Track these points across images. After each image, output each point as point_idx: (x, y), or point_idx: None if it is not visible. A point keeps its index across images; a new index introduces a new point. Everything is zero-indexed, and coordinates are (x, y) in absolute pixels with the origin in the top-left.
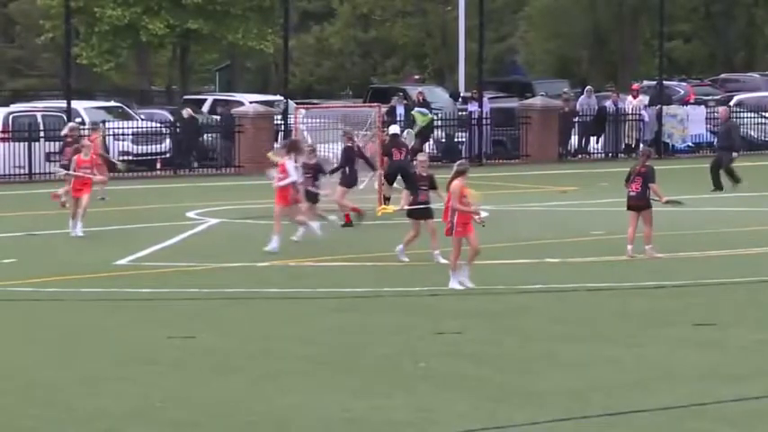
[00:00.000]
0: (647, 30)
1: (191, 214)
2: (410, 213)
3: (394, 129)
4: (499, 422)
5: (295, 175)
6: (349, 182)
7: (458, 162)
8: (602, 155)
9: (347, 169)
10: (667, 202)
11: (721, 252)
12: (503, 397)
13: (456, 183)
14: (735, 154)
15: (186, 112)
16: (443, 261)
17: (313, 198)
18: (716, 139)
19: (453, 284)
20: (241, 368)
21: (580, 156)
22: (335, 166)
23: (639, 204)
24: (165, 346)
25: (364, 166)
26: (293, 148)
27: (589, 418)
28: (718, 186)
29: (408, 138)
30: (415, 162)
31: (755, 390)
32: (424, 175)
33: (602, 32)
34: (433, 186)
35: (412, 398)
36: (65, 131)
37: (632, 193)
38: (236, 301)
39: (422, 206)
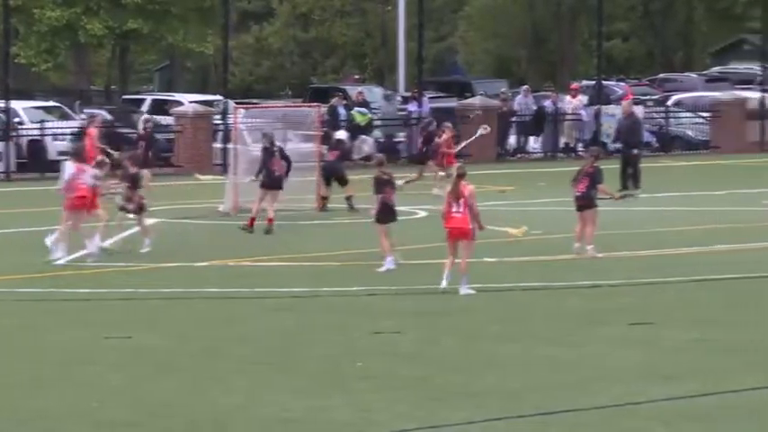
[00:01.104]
0: (586, 29)
1: (130, 214)
2: (377, 219)
3: (341, 134)
4: (436, 422)
5: (70, 177)
6: (271, 185)
7: (457, 166)
8: (541, 154)
9: (266, 171)
10: (621, 198)
11: (653, 252)
12: (441, 397)
13: (471, 187)
14: (635, 151)
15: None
16: (392, 266)
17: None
18: (618, 136)
19: (463, 290)
20: (180, 368)
21: (519, 155)
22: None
23: (584, 204)
24: (103, 347)
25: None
26: (76, 154)
27: (524, 418)
28: (636, 186)
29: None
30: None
31: (688, 389)
32: (385, 178)
33: (540, 32)
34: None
35: (351, 398)
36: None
37: (578, 194)
38: (175, 301)
39: (386, 209)
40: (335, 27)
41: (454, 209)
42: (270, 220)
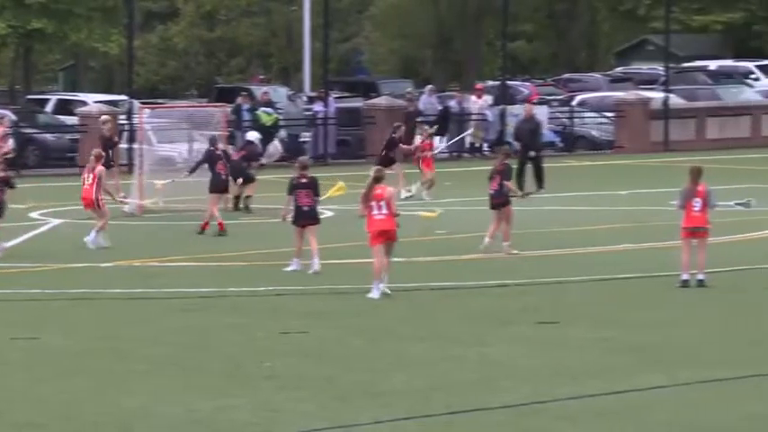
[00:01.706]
0: (491, 30)
1: (34, 215)
2: (293, 221)
3: (252, 135)
4: (344, 422)
5: None
6: (217, 188)
7: (375, 168)
8: (447, 154)
9: (213, 175)
10: (525, 195)
11: (558, 251)
12: (348, 396)
13: (390, 188)
14: (532, 153)
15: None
16: (318, 269)
17: None
18: (516, 137)
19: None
20: (86, 369)
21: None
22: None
23: (498, 202)
24: (9, 348)
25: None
26: None
27: (432, 417)
28: (540, 186)
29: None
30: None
31: (594, 387)
32: (304, 181)
33: (445, 32)
34: (315, 192)
35: (257, 398)
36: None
37: (491, 192)
38: (81, 301)
39: (303, 211)
40: (241, 27)
41: (376, 212)
42: (208, 224)
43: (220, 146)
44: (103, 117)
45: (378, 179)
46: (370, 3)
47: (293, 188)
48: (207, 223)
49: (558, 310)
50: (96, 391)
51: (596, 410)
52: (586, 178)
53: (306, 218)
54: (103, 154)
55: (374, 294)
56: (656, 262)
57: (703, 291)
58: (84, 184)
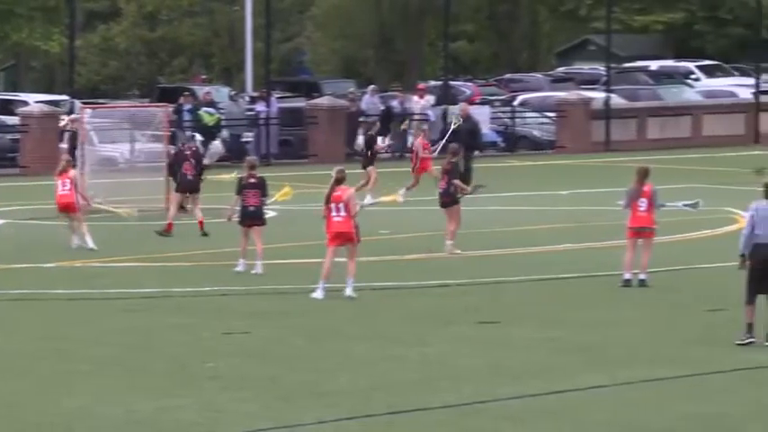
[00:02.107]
0: (433, 30)
1: None
2: (239, 221)
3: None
4: (287, 422)
5: None
6: (184, 187)
7: (337, 169)
8: (389, 154)
9: (179, 175)
10: (473, 190)
11: (499, 251)
12: (291, 396)
13: (351, 190)
14: (476, 152)
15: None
16: (261, 272)
17: None
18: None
19: (348, 292)
20: (28, 370)
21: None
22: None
23: (446, 201)
24: None
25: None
26: None
27: (373, 417)
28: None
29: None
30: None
31: (536, 387)
32: (252, 181)
33: (386, 32)
34: (263, 193)
35: (200, 398)
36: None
37: (440, 191)
38: (23, 302)
39: (249, 211)
40: (182, 27)
41: (335, 213)
42: (200, 223)
43: (190, 146)
44: (72, 116)
45: (339, 180)
46: (312, 3)
47: (241, 188)
48: (171, 224)
49: (499, 310)
50: (38, 392)
51: (537, 410)
52: (528, 178)
53: (251, 218)
54: (71, 159)
55: (318, 294)
56: (596, 262)
57: (641, 291)
58: (59, 190)
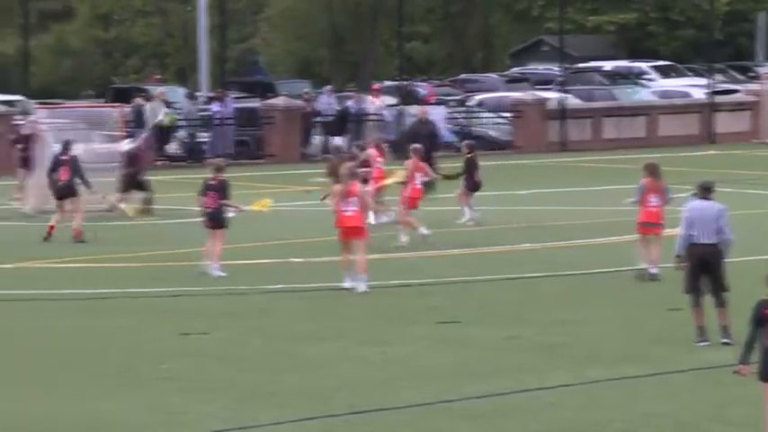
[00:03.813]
0: (386, 30)
1: None
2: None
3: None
4: (244, 423)
5: None
6: (56, 194)
7: (347, 166)
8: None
9: (51, 180)
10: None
11: (461, 251)
12: (248, 397)
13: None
14: (437, 154)
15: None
16: (219, 273)
17: None
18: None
19: (361, 288)
20: None
21: (324, 155)
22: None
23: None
24: None
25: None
26: None
27: (334, 417)
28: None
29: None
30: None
31: (499, 386)
32: (212, 183)
33: (340, 33)
34: (223, 196)
35: (156, 399)
36: None
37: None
38: None
39: (206, 213)
40: (136, 27)
41: (344, 207)
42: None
43: (71, 151)
44: (30, 117)
45: (353, 175)
46: (266, 4)
47: (203, 189)
48: (53, 227)
49: (460, 310)
50: None
51: (501, 409)
52: (485, 178)
53: (208, 219)
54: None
55: (358, 285)
56: (556, 261)
57: (604, 289)
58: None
